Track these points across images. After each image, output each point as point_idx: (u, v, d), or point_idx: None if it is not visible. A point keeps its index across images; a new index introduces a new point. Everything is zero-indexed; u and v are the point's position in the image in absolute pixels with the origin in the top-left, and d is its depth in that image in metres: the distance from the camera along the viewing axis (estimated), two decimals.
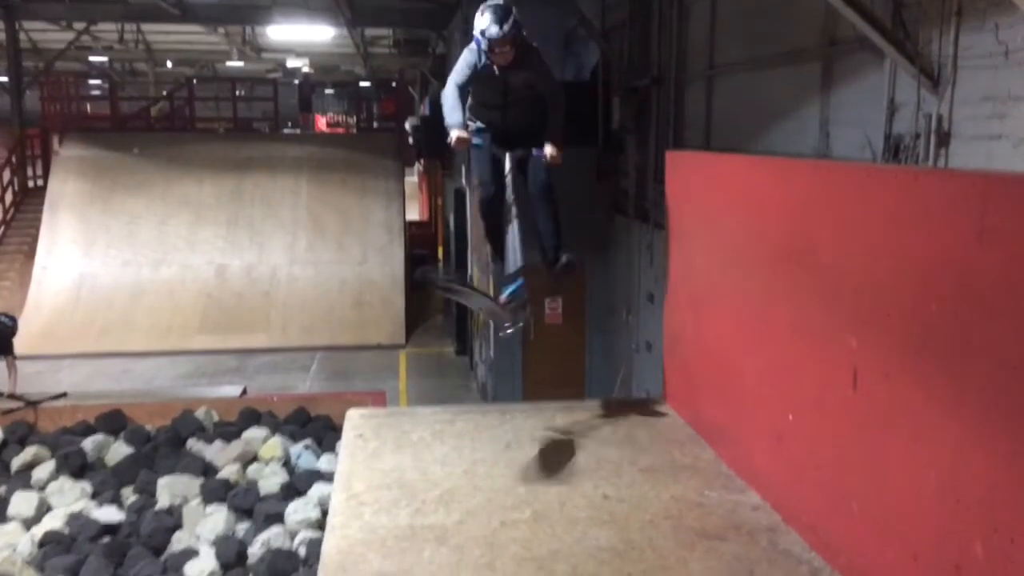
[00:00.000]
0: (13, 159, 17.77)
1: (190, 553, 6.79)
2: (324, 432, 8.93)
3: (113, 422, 9.12)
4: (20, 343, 10.62)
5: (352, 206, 17.61)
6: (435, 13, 14.83)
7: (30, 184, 18.22)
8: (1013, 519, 2.22)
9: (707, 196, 4.50)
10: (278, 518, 7.25)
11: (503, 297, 4.73)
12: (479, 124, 4.72)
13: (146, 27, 22.95)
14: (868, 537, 2.86)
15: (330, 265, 16.79)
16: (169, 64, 28.45)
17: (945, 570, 2.45)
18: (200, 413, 9.25)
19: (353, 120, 26.26)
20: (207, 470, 8.18)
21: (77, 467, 8.24)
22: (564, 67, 11.85)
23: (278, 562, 6.57)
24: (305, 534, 6.97)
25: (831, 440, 3.12)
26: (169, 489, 7.68)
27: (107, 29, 22.20)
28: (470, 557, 3.18)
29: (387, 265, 16.81)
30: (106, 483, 7.97)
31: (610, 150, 10.40)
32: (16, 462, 8.41)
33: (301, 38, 19.64)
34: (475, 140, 4.60)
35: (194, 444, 8.65)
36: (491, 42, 4.25)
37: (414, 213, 23.96)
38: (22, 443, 8.78)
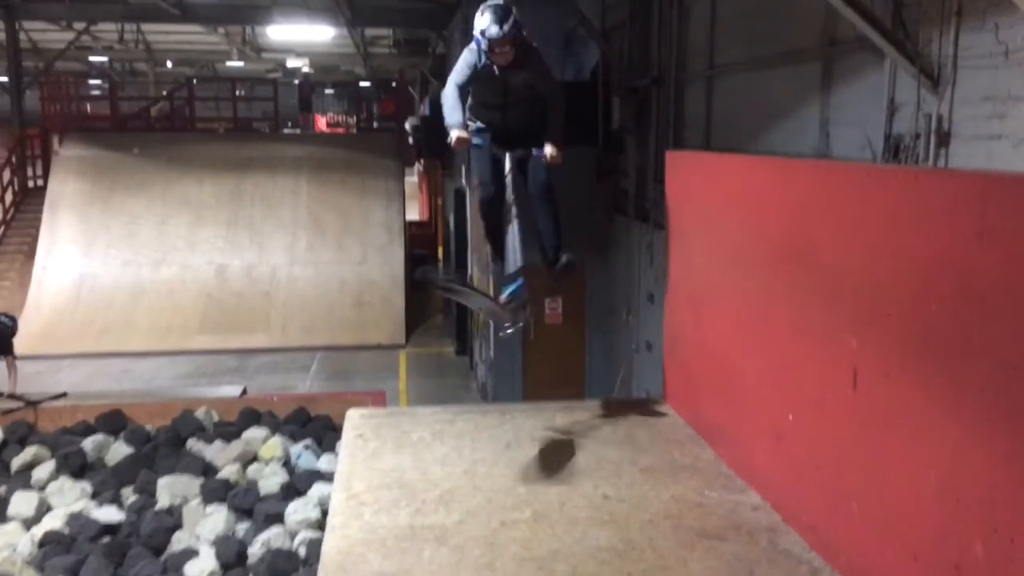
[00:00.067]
0: (13, 159, 17.78)
1: (190, 553, 6.79)
2: (324, 432, 8.94)
3: (113, 422, 9.12)
4: (20, 343, 10.62)
5: (352, 206, 17.61)
6: (435, 13, 14.83)
7: (30, 184, 18.22)
8: (1013, 519, 2.22)
9: (707, 196, 4.50)
10: (278, 518, 7.25)
11: (503, 297, 4.73)
12: (479, 124, 4.71)
13: (146, 27, 22.95)
14: (868, 537, 2.86)
15: (330, 265, 16.79)
16: (169, 64, 28.45)
17: (945, 570, 2.45)
18: (200, 413, 9.25)
19: (353, 120, 26.26)
20: (207, 470, 8.18)
21: (77, 467, 8.24)
22: (564, 67, 11.85)
23: (278, 562, 6.57)
24: (305, 534, 6.97)
25: (831, 440, 3.11)
26: (169, 489, 7.68)
27: (107, 29, 22.20)
28: (470, 557, 3.18)
29: (387, 265, 16.81)
30: (106, 483, 7.97)
31: (610, 150, 10.40)
32: (16, 462, 8.41)
33: (301, 38, 19.64)
34: (475, 140, 4.59)
35: (194, 444, 8.65)
36: (491, 42, 4.25)
37: (414, 213, 23.96)
38: (22, 443, 8.78)
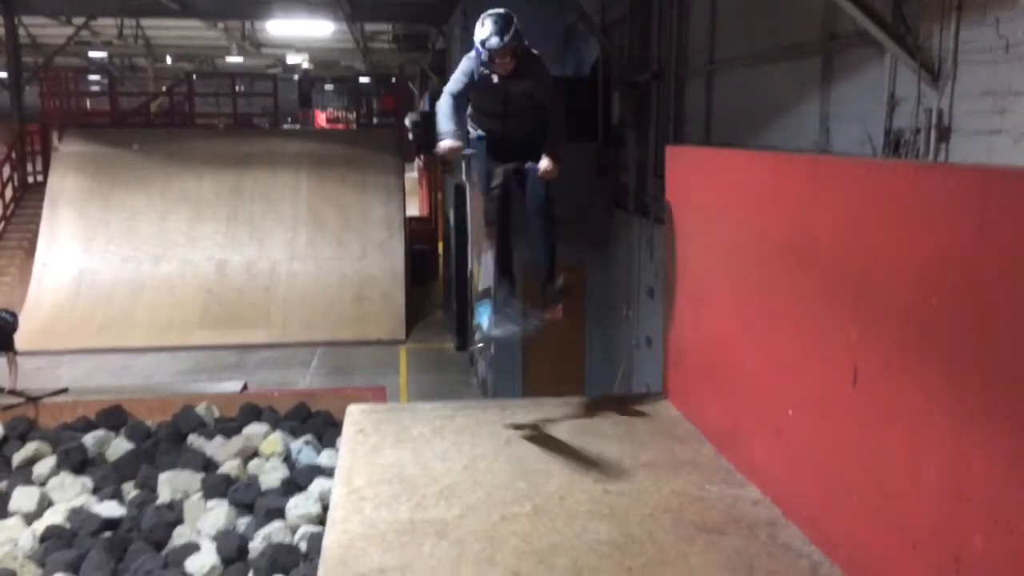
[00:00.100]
0: (13, 155, 17.76)
1: (191, 548, 6.81)
2: (324, 428, 8.95)
3: (113, 418, 9.13)
4: (20, 339, 10.63)
5: (352, 202, 17.60)
6: (435, 8, 14.81)
7: (30, 180, 18.21)
8: (1013, 511, 2.22)
9: (707, 191, 4.50)
10: (279, 513, 7.27)
11: (484, 323, 4.61)
12: (479, 132, 4.66)
13: (145, 22, 22.92)
14: (868, 531, 2.87)
15: (330, 261, 16.79)
16: (168, 59, 28.43)
17: (945, 563, 2.46)
18: (201, 409, 9.26)
19: (353, 116, 26.25)
20: (208, 465, 8.20)
21: (78, 462, 8.26)
22: (564, 62, 11.85)
23: (279, 556, 6.59)
24: (306, 529, 6.99)
25: (831, 435, 3.12)
26: (170, 484, 7.70)
27: (106, 24, 22.18)
28: (470, 551, 3.18)
29: (387, 261, 16.81)
30: (107, 478, 7.99)
31: (610, 145, 10.40)
32: (17, 458, 8.43)
33: (301, 33, 19.61)
34: (467, 150, 4.49)
35: (195, 440, 8.67)
36: (491, 53, 4.19)
37: (414, 209, 23.96)
38: (23, 439, 8.79)
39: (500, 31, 4.16)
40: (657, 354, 7.09)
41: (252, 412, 9.29)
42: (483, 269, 4.65)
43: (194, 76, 24.84)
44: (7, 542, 6.99)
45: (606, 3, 10.39)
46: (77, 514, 7.30)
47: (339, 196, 17.64)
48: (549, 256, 4.69)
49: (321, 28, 18.08)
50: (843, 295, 3.05)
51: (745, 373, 3.90)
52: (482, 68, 4.33)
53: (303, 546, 6.79)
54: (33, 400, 9.45)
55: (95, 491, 7.85)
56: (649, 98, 9.17)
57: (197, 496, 7.57)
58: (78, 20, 19.77)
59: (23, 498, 7.62)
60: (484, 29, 4.20)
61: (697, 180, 4.66)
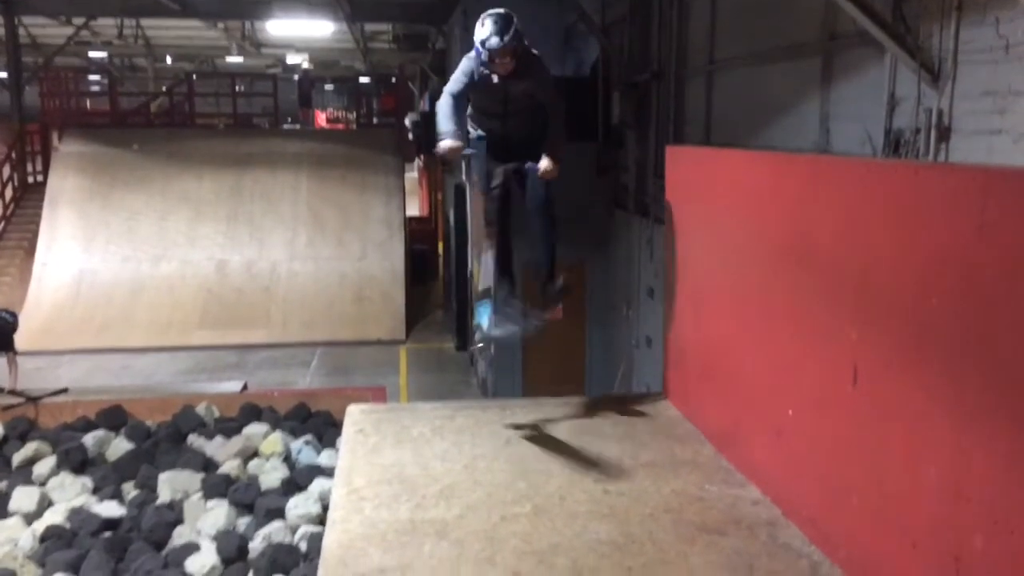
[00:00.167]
0: (13, 155, 17.76)
1: (191, 548, 6.80)
2: (324, 428, 8.95)
3: (113, 418, 9.13)
4: (20, 339, 10.63)
5: (352, 202, 17.61)
6: (435, 8, 14.81)
7: (30, 180, 18.21)
8: (1013, 511, 2.22)
9: (707, 191, 4.50)
10: (279, 513, 7.27)
11: (484, 323, 4.61)
12: (480, 132, 4.65)
13: (145, 22, 22.92)
14: (868, 531, 2.87)
15: (330, 261, 16.79)
16: (168, 60, 28.43)
17: (945, 562, 2.46)
18: (201, 409, 9.26)
19: (353, 116, 26.25)
20: (208, 465, 8.20)
21: (78, 462, 8.26)
22: (564, 62, 11.85)
23: (279, 556, 6.59)
24: (306, 529, 6.99)
25: (831, 435, 3.12)
26: (170, 484, 7.70)
27: (106, 24, 22.17)
28: (470, 551, 3.18)
29: (387, 261, 16.81)
30: (107, 478, 7.99)
31: (610, 145, 10.41)
32: (17, 458, 8.43)
33: (301, 33, 19.61)
34: (467, 150, 4.48)
35: (195, 440, 8.67)
36: (491, 53, 4.18)
37: (414, 209, 23.96)
38: (23, 439, 8.80)
39: (500, 31, 4.15)
40: (657, 354, 7.09)
41: (252, 412, 9.29)
42: (483, 269, 4.65)
43: (194, 76, 24.85)
44: (7, 542, 6.99)
45: (606, 3, 10.39)
46: (77, 514, 7.30)
47: (339, 196, 17.64)
48: (549, 256, 4.68)
49: (321, 28, 18.08)
50: (843, 295, 3.05)
51: (745, 373, 3.90)
52: (482, 68, 4.32)
53: (303, 546, 6.79)
54: (33, 400, 9.45)
55: (95, 491, 7.85)
56: (649, 98, 9.17)
57: (197, 496, 7.57)
58: (78, 20, 19.77)
59: (23, 498, 7.62)
60: (484, 29, 4.19)
61: (697, 180, 4.66)
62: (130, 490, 7.89)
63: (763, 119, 6.57)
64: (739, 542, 3.24)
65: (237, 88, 24.05)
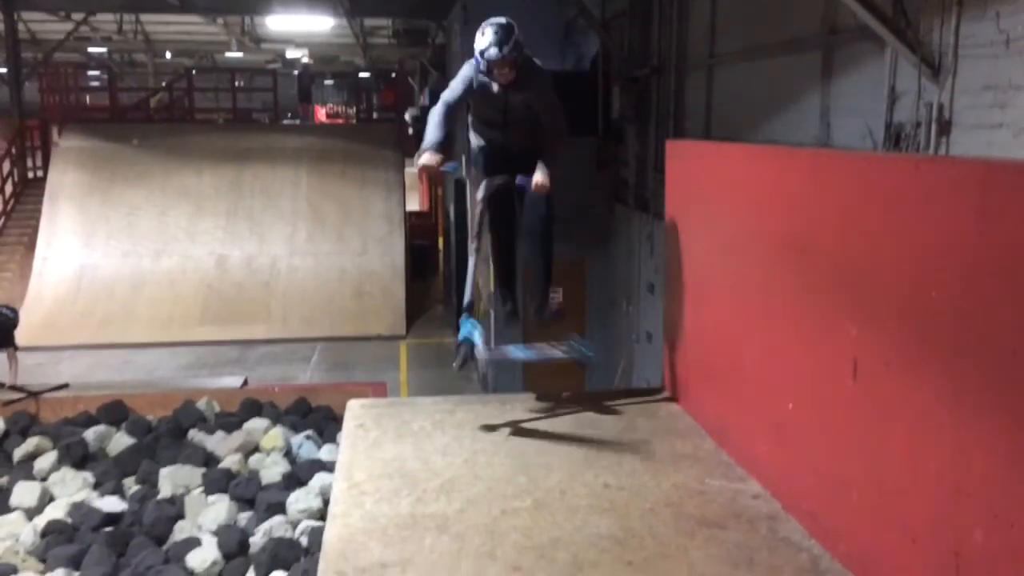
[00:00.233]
0: (13, 150, 17.76)
1: (192, 542, 6.82)
2: (325, 422, 8.97)
3: (114, 413, 9.15)
4: (21, 334, 10.64)
5: (352, 197, 17.61)
6: (434, 3, 14.79)
7: (30, 175, 18.22)
8: (1013, 506, 2.23)
9: (708, 186, 4.49)
10: (280, 508, 7.29)
11: (475, 340, 4.45)
12: (481, 142, 4.61)
13: (145, 17, 22.90)
14: (868, 525, 2.87)
15: (330, 256, 16.80)
16: (168, 55, 28.40)
17: (945, 557, 2.46)
18: (201, 404, 9.28)
19: (353, 111, 26.25)
20: (209, 460, 8.22)
21: (79, 457, 8.28)
22: (564, 57, 11.84)
23: (280, 551, 6.61)
24: (307, 523, 7.01)
25: (831, 429, 3.12)
26: (171, 479, 7.72)
27: (106, 20, 22.15)
28: (471, 545, 3.19)
29: (387, 256, 16.81)
30: (108, 473, 8.01)
31: (610, 140, 10.40)
32: (18, 452, 8.45)
33: (300, 28, 19.59)
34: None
35: (195, 435, 8.69)
36: (489, 63, 4.11)
37: (414, 204, 23.95)
38: (24, 434, 8.81)
39: (500, 42, 4.07)
40: (657, 349, 7.09)
41: (253, 407, 9.31)
42: (468, 281, 4.54)
43: (194, 71, 24.82)
44: (8, 537, 7.01)
45: None
46: (78, 509, 7.32)
47: (339, 191, 17.64)
48: (546, 277, 4.62)
49: (321, 23, 18.07)
50: (843, 289, 3.05)
51: (745, 367, 3.90)
52: (482, 76, 4.24)
53: (304, 541, 6.81)
54: (34, 395, 9.47)
55: (96, 486, 7.87)
56: (649, 93, 9.16)
57: (198, 491, 7.59)
58: (77, 16, 19.76)
59: (24, 493, 7.63)
60: (484, 39, 4.10)
61: (697, 175, 4.66)
62: (131, 485, 7.91)
63: (763, 113, 6.57)
64: (739, 536, 3.25)
65: (237, 83, 24.01)
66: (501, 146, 4.54)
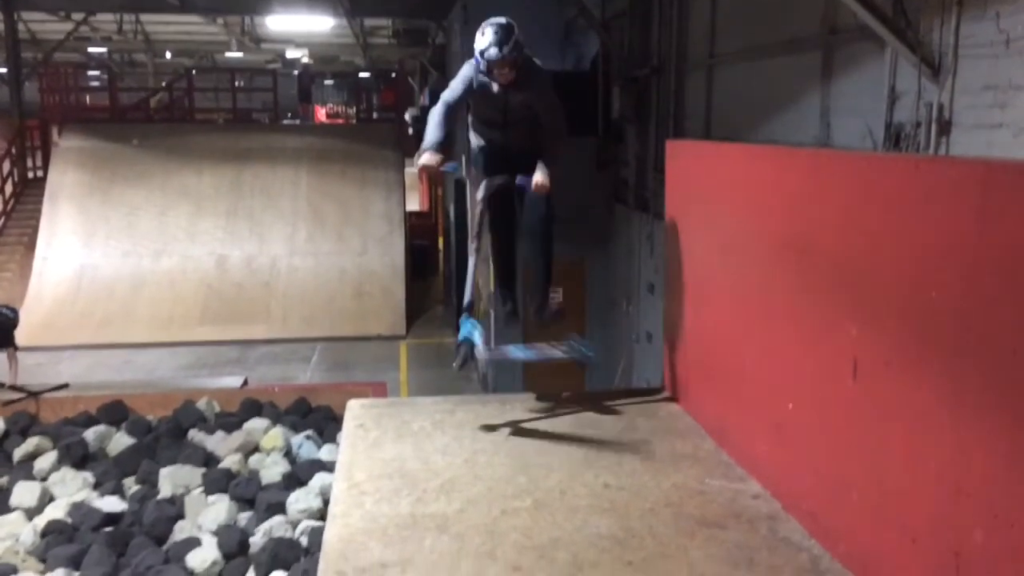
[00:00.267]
0: (13, 150, 17.76)
1: (192, 542, 6.82)
2: (325, 422, 8.97)
3: (114, 413, 9.15)
4: (21, 334, 10.64)
5: (352, 197, 17.61)
6: (434, 3, 14.79)
7: (30, 175, 18.22)
8: (1013, 506, 2.23)
9: (708, 186, 4.49)
10: (280, 508, 7.29)
11: (475, 340, 4.45)
12: (481, 142, 4.61)
13: (145, 17, 22.90)
14: (868, 525, 2.87)
15: (330, 256, 16.80)
16: (168, 55, 28.41)
17: (945, 557, 2.46)
18: (201, 404, 9.28)
19: (353, 111, 26.25)
20: (209, 460, 8.22)
21: (79, 457, 8.27)
22: (564, 57, 11.84)
23: (280, 551, 6.61)
24: (307, 523, 7.00)
25: (831, 429, 3.12)
26: (171, 479, 7.72)
27: (106, 20, 22.15)
28: (471, 545, 3.19)
29: (387, 256, 16.81)
30: (108, 473, 8.01)
31: (610, 140, 10.40)
32: (18, 452, 8.45)
33: (300, 28, 19.59)
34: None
35: (195, 434, 8.68)
36: (489, 63, 4.11)
37: (414, 204, 23.95)
38: (24, 434, 8.81)
39: (499, 42, 4.06)
40: (657, 349, 7.10)
41: (253, 407, 9.31)
42: (468, 281, 4.53)
43: (194, 71, 24.82)
44: (8, 537, 7.01)
45: None
46: (78, 509, 7.32)
47: (339, 191, 17.65)
48: (546, 277, 4.61)
49: (321, 23, 18.07)
50: (843, 289, 3.05)
51: (745, 367, 3.90)
52: (482, 76, 4.24)
53: (304, 540, 6.81)
54: (34, 395, 9.47)
55: (96, 486, 7.87)
56: (649, 93, 9.16)
57: (198, 491, 7.59)
58: (77, 16, 19.76)
59: (24, 493, 7.63)
60: (484, 39, 4.09)
61: (697, 175, 4.66)
62: (131, 485, 7.91)
63: (763, 113, 6.57)
64: (739, 536, 3.25)
65: (237, 83, 24.02)
66: (501, 146, 4.53)
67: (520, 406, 4.70)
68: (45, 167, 17.72)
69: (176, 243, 16.65)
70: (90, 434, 8.62)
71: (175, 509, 7.35)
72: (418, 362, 13.91)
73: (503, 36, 4.08)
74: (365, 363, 13.66)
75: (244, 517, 7.26)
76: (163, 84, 24.43)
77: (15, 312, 10.61)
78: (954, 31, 4.14)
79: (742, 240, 3.94)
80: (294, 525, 7.06)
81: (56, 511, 7.35)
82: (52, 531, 7.03)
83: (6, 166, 17.53)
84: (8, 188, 17.59)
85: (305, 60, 25.85)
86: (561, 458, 3.98)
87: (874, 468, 2.84)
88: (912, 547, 2.64)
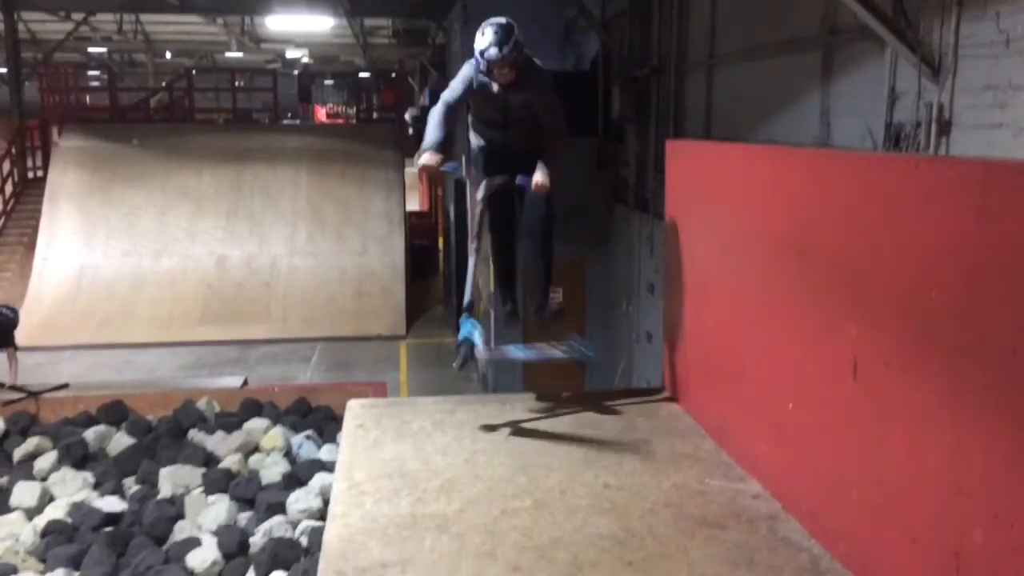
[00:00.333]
0: (13, 150, 17.76)
1: (192, 542, 6.82)
2: (325, 422, 8.97)
3: (114, 413, 9.15)
4: (21, 334, 10.64)
5: (352, 197, 17.60)
6: (434, 3, 14.79)
7: (30, 175, 18.22)
8: (1013, 505, 2.23)
9: (707, 185, 4.49)
10: (280, 508, 7.29)
11: (475, 340, 4.44)
12: (481, 142, 4.61)
13: (145, 17, 22.90)
14: (868, 525, 2.87)
15: (330, 256, 16.80)
16: (168, 55, 28.41)
17: (945, 557, 2.46)
18: (201, 404, 9.28)
19: (353, 111, 26.25)
20: (209, 460, 8.22)
21: (79, 457, 8.27)
22: (564, 57, 11.84)
23: (280, 551, 6.61)
24: (307, 523, 7.00)
25: (831, 429, 3.12)
26: (171, 479, 7.72)
27: (106, 20, 22.15)
28: (471, 545, 3.19)
29: (387, 256, 16.81)
30: (108, 473, 8.01)
31: (610, 140, 10.40)
32: (18, 452, 8.45)
33: (300, 28, 19.59)
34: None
35: (195, 435, 8.68)
36: (489, 63, 4.10)
37: (414, 203, 23.95)
38: (24, 434, 8.82)
39: (499, 42, 4.06)
40: (657, 349, 7.10)
41: (253, 407, 9.31)
42: (468, 281, 4.53)
43: (193, 71, 24.82)
44: (8, 537, 7.01)
45: None
46: (78, 509, 7.32)
47: (339, 191, 17.64)
48: (545, 278, 4.61)
49: (321, 23, 18.07)
50: (843, 289, 3.05)
51: (745, 367, 3.90)
52: (482, 76, 4.24)
53: (304, 541, 6.81)
54: (34, 395, 9.47)
55: (96, 486, 7.87)
56: (649, 92, 9.16)
57: (198, 491, 7.59)
58: (77, 15, 19.76)
59: (24, 493, 7.63)
60: (484, 39, 4.09)
61: (697, 175, 4.66)
62: (131, 485, 7.91)
63: (763, 113, 6.57)
64: (739, 536, 3.25)
65: (237, 83, 24.01)
66: (501, 146, 4.53)
67: (520, 406, 4.70)
68: (45, 167, 17.72)
69: (176, 243, 16.65)
70: (90, 434, 8.62)
71: (175, 509, 7.35)
72: (418, 362, 13.91)
73: (503, 36, 4.08)
74: (365, 363, 13.66)
75: (244, 517, 7.26)
76: (163, 84, 24.43)
77: (15, 312, 10.61)
78: (954, 31, 4.14)
79: (742, 240, 3.94)
80: (294, 525, 7.06)
81: (56, 511, 7.35)
82: (52, 531, 7.03)
83: (6, 166, 17.54)
84: (8, 188, 17.59)
85: (305, 60, 25.86)
86: (561, 458, 3.98)
87: (874, 468, 2.84)
88: (912, 547, 2.64)
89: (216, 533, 6.94)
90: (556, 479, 3.75)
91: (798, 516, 3.34)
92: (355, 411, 4.67)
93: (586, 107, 10.32)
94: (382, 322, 15.56)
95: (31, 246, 16.50)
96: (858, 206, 2.98)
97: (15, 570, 6.60)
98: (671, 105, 8.54)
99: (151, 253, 16.45)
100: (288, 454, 8.34)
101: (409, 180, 18.45)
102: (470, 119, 4.60)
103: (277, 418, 9.03)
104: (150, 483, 7.83)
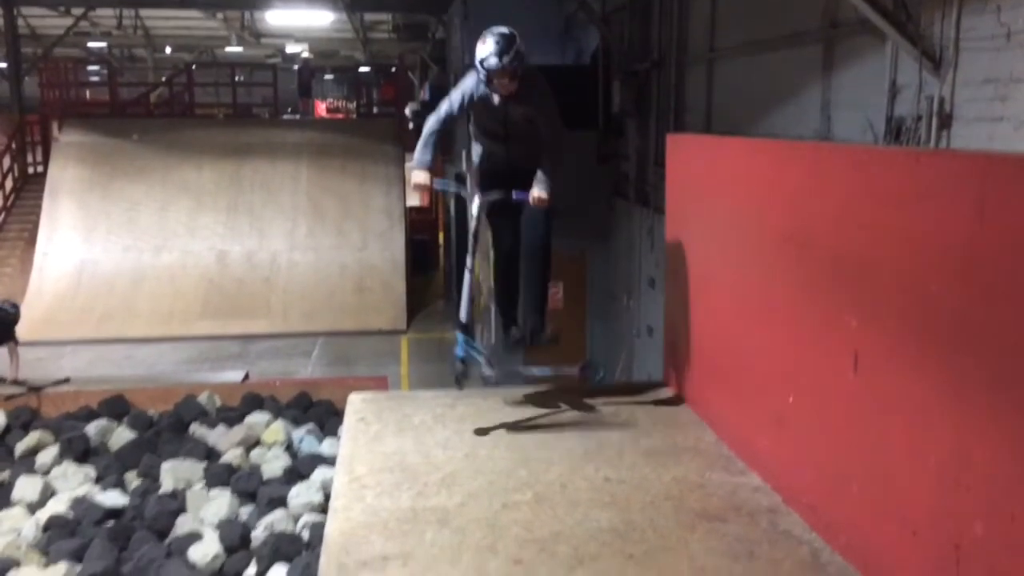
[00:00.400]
0: (13, 145, 17.75)
1: (194, 536, 6.83)
2: (326, 416, 8.98)
3: (116, 407, 9.16)
4: (22, 329, 10.64)
5: (352, 192, 17.59)
6: None
7: (30, 170, 18.22)
8: (1013, 498, 2.23)
9: (708, 179, 4.49)
10: (281, 502, 7.30)
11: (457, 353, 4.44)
12: (482, 152, 4.57)
13: (145, 13, 22.88)
14: (868, 517, 2.88)
15: (330, 251, 16.80)
16: (168, 50, 28.38)
17: (945, 549, 2.47)
18: (203, 398, 9.28)
19: (353, 105, 26.22)
20: (210, 454, 8.23)
21: (81, 452, 8.28)
22: (564, 51, 11.83)
23: (282, 545, 6.62)
24: (308, 517, 7.01)
25: (831, 422, 3.13)
26: (173, 473, 7.73)
27: (106, 15, 22.13)
28: (472, 539, 3.19)
29: (388, 250, 16.81)
30: (110, 467, 8.02)
31: (610, 134, 10.39)
32: (20, 447, 8.46)
33: (300, 23, 19.58)
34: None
35: (197, 429, 8.69)
36: (489, 73, 4.06)
37: (415, 199, 23.92)
38: (26, 428, 8.83)
39: (500, 52, 4.00)
40: (658, 343, 7.10)
41: (254, 401, 9.31)
42: (464, 299, 4.47)
43: (193, 66, 24.80)
44: (10, 532, 7.02)
45: None
46: (80, 503, 7.33)
47: (339, 186, 17.63)
48: (541, 302, 4.58)
49: (320, 18, 18.05)
50: (844, 282, 3.05)
51: (746, 361, 3.90)
52: (483, 87, 4.19)
53: (305, 534, 6.82)
54: (35, 390, 9.48)
55: (98, 480, 7.88)
56: (649, 86, 9.15)
57: (200, 485, 7.60)
58: (77, 11, 19.73)
59: (26, 487, 7.64)
60: (485, 47, 4.04)
61: (698, 168, 4.66)
62: (133, 479, 7.92)
63: (764, 107, 6.56)
64: (740, 529, 3.26)
65: (237, 78, 23.99)
66: (502, 158, 4.49)
67: (520, 400, 4.70)
68: (45, 162, 17.71)
69: (176, 238, 16.64)
70: (91, 428, 8.63)
71: (177, 503, 7.36)
72: (419, 356, 13.92)
73: (504, 46, 4.02)
74: (366, 357, 13.67)
75: (245, 511, 7.27)
76: (163, 79, 24.40)
77: (16, 307, 10.62)
78: (955, 24, 4.14)
79: (743, 234, 3.94)
80: (295, 519, 7.07)
81: (58, 505, 7.36)
82: (54, 525, 7.04)
83: (6, 161, 17.52)
84: (8, 183, 17.59)
85: (305, 55, 25.83)
86: (561, 452, 3.99)
87: (875, 461, 2.85)
88: (912, 540, 2.64)
89: (218, 527, 6.96)
90: (557, 473, 3.75)
91: (799, 509, 3.35)
92: (356, 405, 4.67)
93: (586, 101, 10.32)
94: (383, 317, 15.56)
95: (32, 241, 16.50)
96: (859, 199, 2.98)
97: (17, 564, 6.62)
98: (671, 99, 8.53)
99: (151, 248, 16.45)
100: (289, 448, 8.35)
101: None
102: (471, 130, 4.56)
103: (278, 412, 9.04)
104: (151, 477, 7.84)
